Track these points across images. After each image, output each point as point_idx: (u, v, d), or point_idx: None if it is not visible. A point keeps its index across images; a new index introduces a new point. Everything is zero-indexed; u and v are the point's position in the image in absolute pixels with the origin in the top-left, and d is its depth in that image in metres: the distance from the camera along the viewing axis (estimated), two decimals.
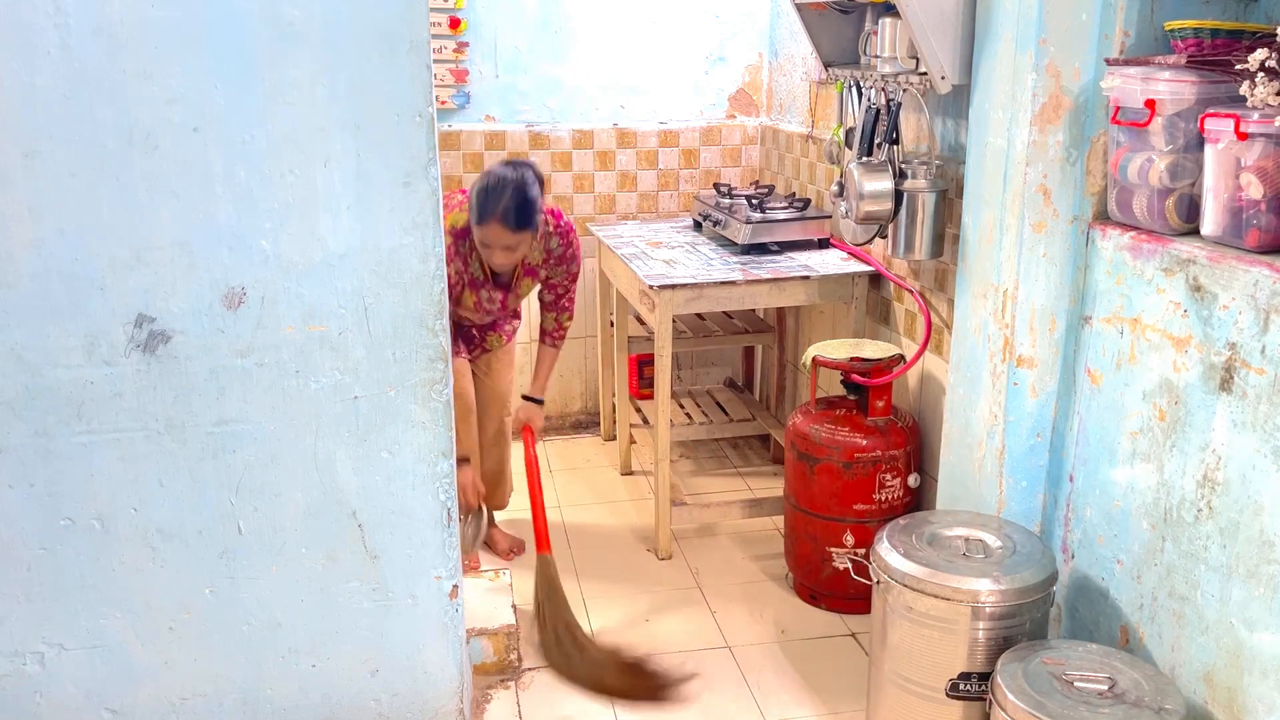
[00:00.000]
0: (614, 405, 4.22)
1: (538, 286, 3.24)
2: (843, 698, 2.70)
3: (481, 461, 3.38)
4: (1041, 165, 2.28)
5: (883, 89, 2.98)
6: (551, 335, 3.32)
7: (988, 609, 2.14)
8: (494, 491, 3.46)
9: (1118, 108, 2.16)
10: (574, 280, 3.28)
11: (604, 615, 3.10)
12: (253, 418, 2.12)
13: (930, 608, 2.18)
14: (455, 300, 3.07)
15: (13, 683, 2.18)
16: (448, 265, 2.86)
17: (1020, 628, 2.17)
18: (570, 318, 3.36)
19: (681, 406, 4.19)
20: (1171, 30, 2.09)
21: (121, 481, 2.10)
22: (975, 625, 2.15)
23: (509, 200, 2.83)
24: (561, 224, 3.17)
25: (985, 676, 2.15)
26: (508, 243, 2.88)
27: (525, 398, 3.33)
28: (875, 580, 2.31)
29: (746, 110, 4.36)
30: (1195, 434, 2.01)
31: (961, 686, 2.19)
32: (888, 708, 2.33)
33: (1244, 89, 1.87)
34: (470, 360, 3.38)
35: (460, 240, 2.99)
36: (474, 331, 3.31)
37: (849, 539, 2.98)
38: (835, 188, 3.19)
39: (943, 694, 2.21)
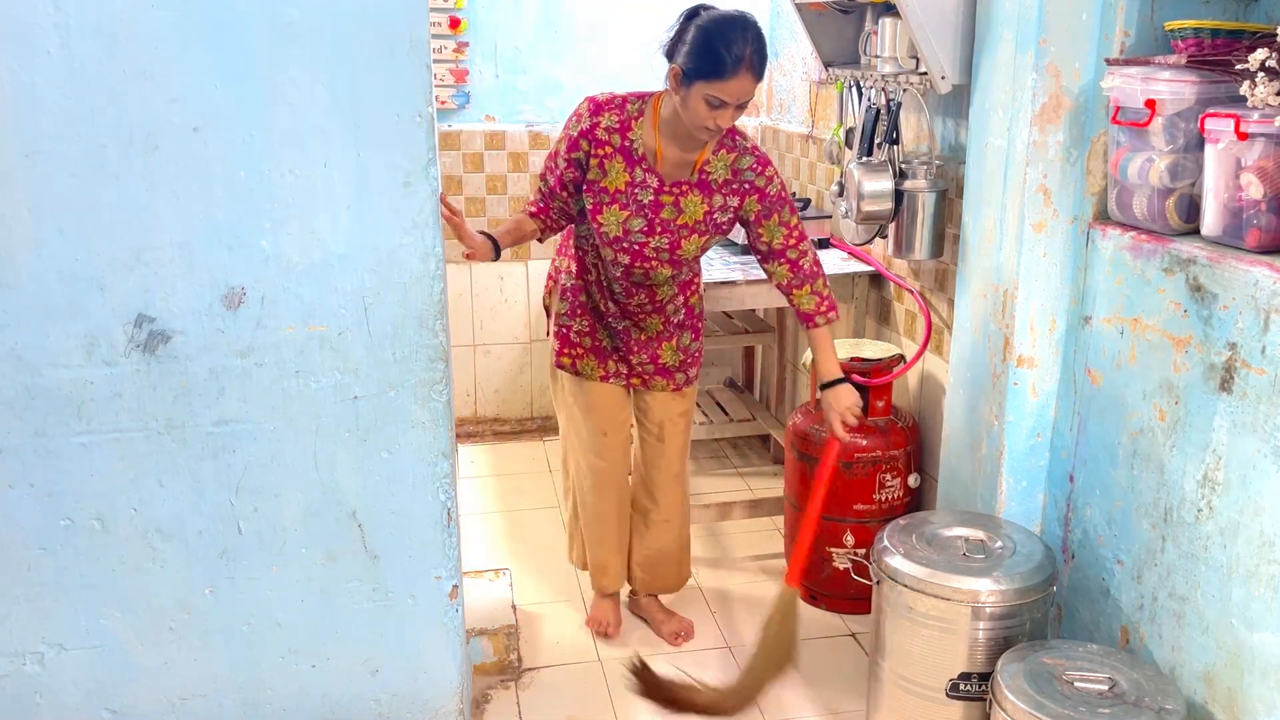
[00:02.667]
0: None
1: (704, 240, 2.56)
2: (843, 698, 2.70)
3: (641, 536, 2.92)
4: (1041, 165, 2.28)
5: (883, 89, 2.98)
6: (819, 312, 2.59)
7: (988, 609, 2.14)
8: (659, 572, 2.99)
9: (1118, 108, 2.16)
10: (800, 232, 2.56)
11: None
12: (253, 418, 2.12)
13: (930, 608, 2.18)
14: (595, 216, 2.51)
15: (13, 683, 2.18)
16: (567, 168, 2.49)
17: (1020, 628, 2.17)
18: (826, 283, 2.61)
19: None
20: (1171, 30, 2.09)
21: (121, 481, 2.10)
22: (975, 625, 2.15)
23: (756, 41, 2.31)
24: (754, 147, 2.56)
25: (985, 676, 2.15)
26: (748, 96, 2.35)
27: (824, 385, 2.59)
28: (875, 580, 2.31)
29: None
30: (1195, 434, 2.00)
31: (961, 686, 2.19)
32: (888, 708, 2.33)
33: (1244, 89, 1.87)
34: (626, 384, 2.76)
35: (618, 134, 2.47)
36: (616, 303, 2.66)
37: (849, 539, 2.98)
38: (835, 188, 3.19)
39: (943, 694, 2.21)
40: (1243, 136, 1.89)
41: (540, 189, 2.58)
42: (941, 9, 2.52)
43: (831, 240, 3.61)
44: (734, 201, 2.53)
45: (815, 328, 2.60)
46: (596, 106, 2.49)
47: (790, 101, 4.09)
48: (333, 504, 2.20)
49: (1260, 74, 1.85)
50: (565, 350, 2.75)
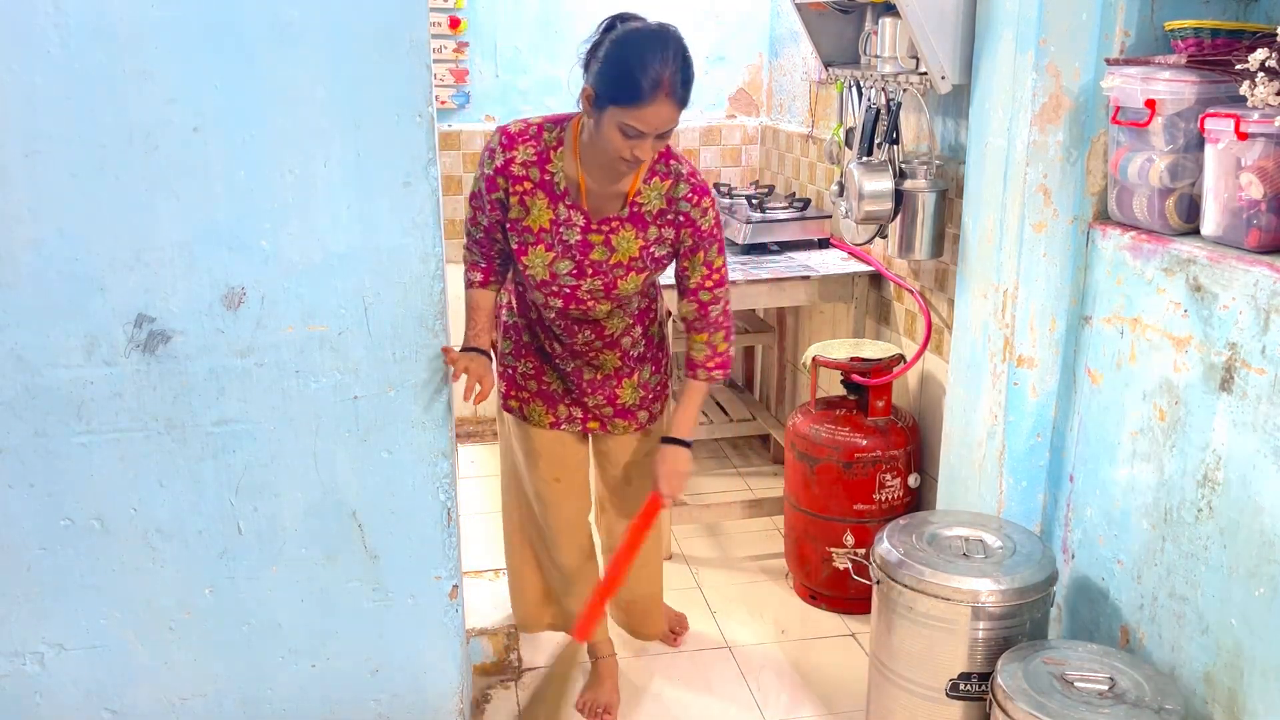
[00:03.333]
0: None
1: (643, 277, 2.28)
2: (843, 698, 2.70)
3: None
4: (1042, 165, 2.28)
5: (883, 89, 2.98)
6: (704, 365, 2.37)
7: (988, 609, 2.14)
8: (638, 620, 2.78)
9: (1118, 108, 2.16)
10: (720, 276, 2.30)
11: None
12: (253, 418, 2.12)
13: (930, 608, 2.18)
14: (519, 258, 2.24)
15: (13, 683, 2.18)
16: (491, 210, 2.22)
17: (1020, 628, 2.17)
18: (728, 339, 2.37)
19: None
20: (1171, 30, 2.09)
21: (121, 481, 2.10)
22: (975, 625, 2.15)
23: (676, 61, 1.99)
24: (691, 172, 2.24)
25: (985, 676, 2.15)
26: (669, 126, 2.04)
27: (665, 439, 2.41)
28: (875, 580, 2.31)
29: (746, 110, 4.36)
30: (1195, 434, 2.00)
31: (961, 686, 2.19)
32: (888, 708, 2.33)
33: (1244, 89, 1.87)
34: (582, 428, 2.47)
35: (536, 167, 2.19)
36: (560, 343, 2.38)
37: (849, 539, 2.98)
38: (835, 188, 3.19)
39: (943, 694, 2.21)
40: (1243, 136, 1.89)
41: (474, 237, 2.31)
42: (941, 9, 2.52)
43: (831, 240, 3.61)
44: (669, 233, 2.23)
45: (693, 379, 2.37)
46: (509, 139, 2.19)
47: (790, 101, 4.09)
48: (333, 504, 2.20)
49: (1260, 74, 1.85)
50: (512, 393, 2.47)
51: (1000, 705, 1.98)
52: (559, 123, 2.21)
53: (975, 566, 2.20)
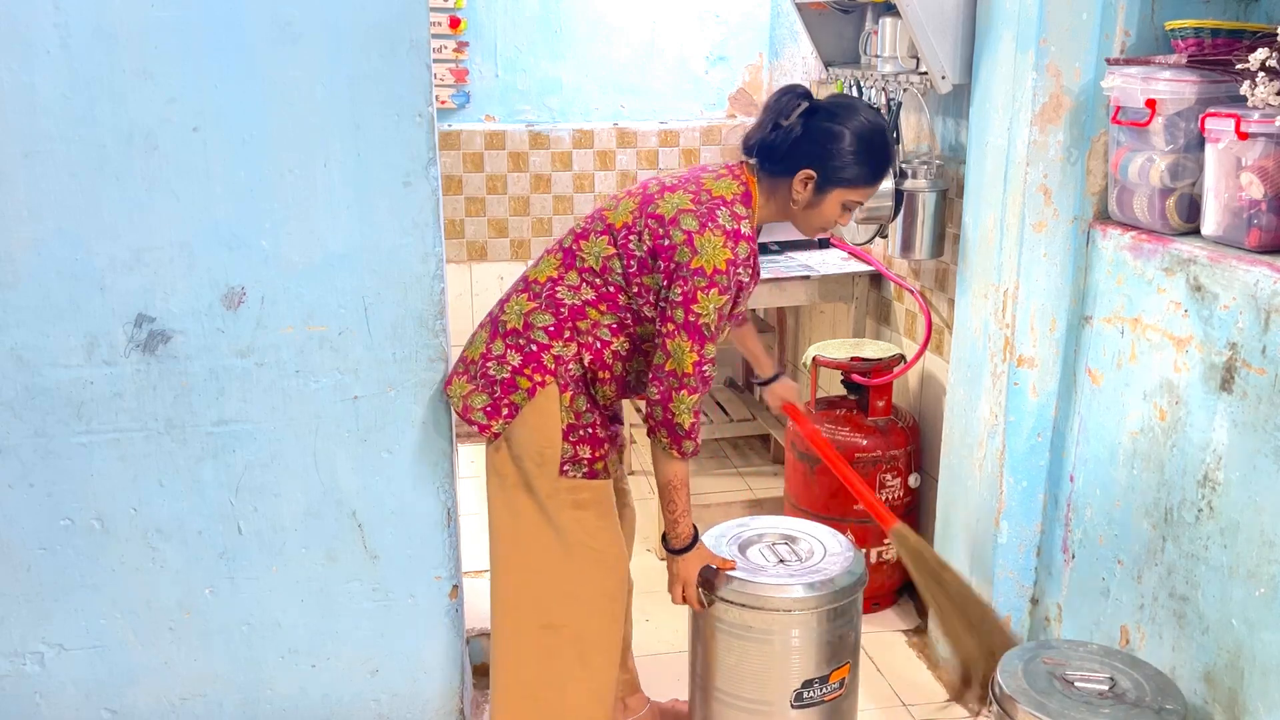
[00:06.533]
0: None
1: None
2: None
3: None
4: (1042, 165, 2.28)
5: (883, 89, 2.98)
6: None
7: None
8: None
9: (1118, 107, 2.16)
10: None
11: None
12: (253, 418, 2.12)
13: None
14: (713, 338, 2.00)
15: (13, 683, 2.18)
16: (734, 294, 2.01)
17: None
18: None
19: None
20: (1172, 30, 2.09)
21: (121, 481, 2.10)
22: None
23: (894, 145, 2.24)
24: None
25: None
26: None
27: (763, 382, 2.58)
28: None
29: (747, 110, 4.36)
30: (1196, 434, 2.00)
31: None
32: None
33: (1244, 89, 1.87)
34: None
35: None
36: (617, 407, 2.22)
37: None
38: None
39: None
40: (1243, 136, 1.89)
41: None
42: (941, 9, 2.52)
43: (832, 240, 3.61)
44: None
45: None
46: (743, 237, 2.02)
47: None
48: (333, 504, 2.20)
49: (1260, 74, 1.85)
50: (599, 452, 2.15)
51: (1001, 705, 1.98)
52: (730, 204, 2.02)
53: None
